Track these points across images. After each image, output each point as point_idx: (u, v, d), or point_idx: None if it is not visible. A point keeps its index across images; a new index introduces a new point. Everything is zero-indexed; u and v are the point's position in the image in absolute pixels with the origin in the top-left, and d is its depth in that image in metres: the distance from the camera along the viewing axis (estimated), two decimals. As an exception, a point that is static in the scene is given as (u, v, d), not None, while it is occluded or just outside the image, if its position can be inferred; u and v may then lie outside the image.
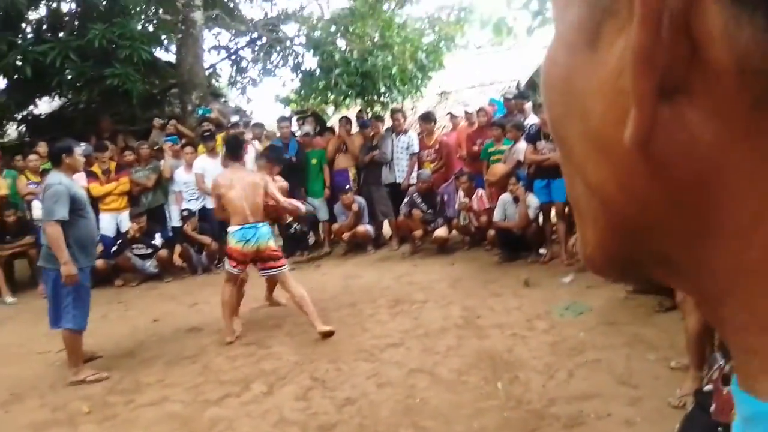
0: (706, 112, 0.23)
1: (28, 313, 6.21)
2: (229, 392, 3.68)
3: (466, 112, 8.26)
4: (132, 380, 4.04)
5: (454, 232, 7.25)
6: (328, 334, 4.34)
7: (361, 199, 7.60)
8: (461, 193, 7.06)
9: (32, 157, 7.41)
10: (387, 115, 8.87)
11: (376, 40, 10.01)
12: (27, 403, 3.85)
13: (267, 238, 4.60)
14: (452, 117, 8.78)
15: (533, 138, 6.12)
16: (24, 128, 10.85)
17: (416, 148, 7.81)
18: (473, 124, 7.86)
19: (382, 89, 9.99)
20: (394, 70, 9.59)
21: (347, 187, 7.57)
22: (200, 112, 8.96)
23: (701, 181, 0.24)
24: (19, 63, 8.41)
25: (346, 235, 7.56)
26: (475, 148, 7.47)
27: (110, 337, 5.10)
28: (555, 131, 0.30)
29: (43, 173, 7.09)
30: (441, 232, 7.01)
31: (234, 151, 5.09)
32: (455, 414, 3.08)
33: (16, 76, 8.90)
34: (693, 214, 0.25)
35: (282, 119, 8.24)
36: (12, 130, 11.01)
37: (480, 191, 6.97)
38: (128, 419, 3.48)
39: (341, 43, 10.06)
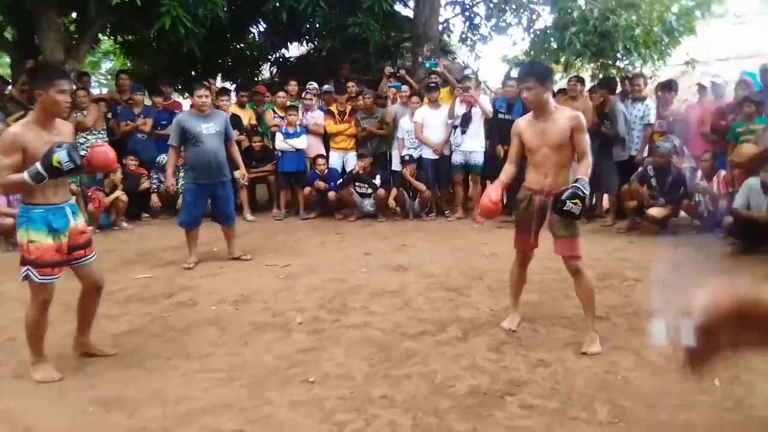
0: None
1: (262, 231, 7.09)
2: (425, 330, 3.81)
3: (713, 84, 7.33)
4: (340, 302, 4.39)
5: (682, 214, 6.55)
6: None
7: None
8: (699, 174, 6.32)
9: (281, 94, 8.28)
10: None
11: (621, -3, 9.22)
12: (252, 306, 4.40)
13: None
14: (700, 88, 7.83)
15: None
16: (275, 69, 12.18)
17: (652, 119, 7.12)
18: (721, 97, 7.01)
19: (621, 52, 9.22)
20: (637, 31, 8.75)
21: None
22: (427, 65, 9.20)
23: None
24: (277, 5, 9.33)
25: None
26: (723, 123, 6.62)
27: (326, 261, 5.58)
28: None
29: (288, 109, 7.91)
30: (655, 211, 6.35)
31: None
32: (660, 401, 2.84)
33: (274, 21, 9.93)
34: None
35: (508, 77, 8.07)
36: (265, 70, 12.44)
37: (722, 173, 6.19)
38: (333, 336, 3.79)
39: (581, 0, 9.46)
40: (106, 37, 11.29)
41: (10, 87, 8.24)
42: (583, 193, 3.31)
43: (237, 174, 5.98)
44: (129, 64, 12.66)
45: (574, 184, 3.34)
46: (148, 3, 7.70)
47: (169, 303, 4.48)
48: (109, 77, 16.49)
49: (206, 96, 5.46)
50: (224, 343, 3.70)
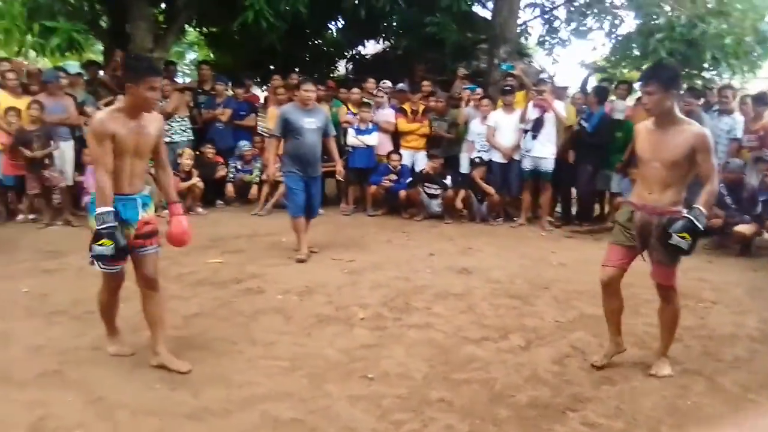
0: None
1: (331, 225, 7.18)
2: (488, 336, 3.77)
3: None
4: (403, 301, 4.40)
5: (766, 235, 6.20)
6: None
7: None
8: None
9: (355, 90, 8.34)
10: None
11: (710, 5, 8.78)
12: (317, 298, 4.47)
13: None
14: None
15: None
16: (351, 66, 12.33)
17: (739, 133, 6.77)
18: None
19: (709, 62, 8.79)
20: (727, 40, 8.32)
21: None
22: (503, 67, 9.04)
23: None
24: (357, 2, 9.41)
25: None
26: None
27: (390, 258, 5.62)
28: None
29: (361, 105, 7.98)
30: (744, 228, 6.03)
31: None
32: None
33: (352, 18, 10.04)
34: None
35: (586, 84, 7.84)
36: (341, 67, 12.61)
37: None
38: (394, 334, 3.80)
39: (667, 6, 9.09)
40: (191, 29, 11.74)
41: (101, 72, 8.70)
42: (697, 226, 2.84)
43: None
44: (212, 56, 13.11)
45: (688, 215, 2.89)
46: (234, -4, 7.97)
47: (238, 289, 4.62)
48: (193, 68, 17.13)
49: (312, 91, 5.60)
50: (288, 332, 3.79)
